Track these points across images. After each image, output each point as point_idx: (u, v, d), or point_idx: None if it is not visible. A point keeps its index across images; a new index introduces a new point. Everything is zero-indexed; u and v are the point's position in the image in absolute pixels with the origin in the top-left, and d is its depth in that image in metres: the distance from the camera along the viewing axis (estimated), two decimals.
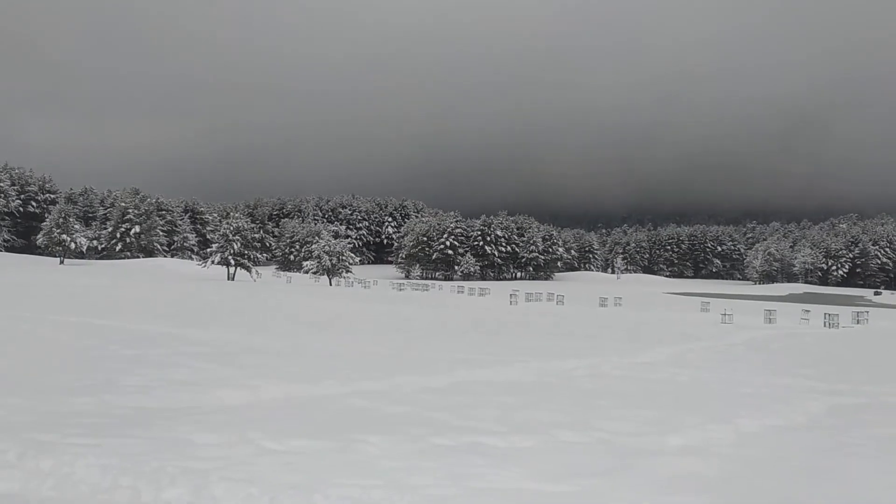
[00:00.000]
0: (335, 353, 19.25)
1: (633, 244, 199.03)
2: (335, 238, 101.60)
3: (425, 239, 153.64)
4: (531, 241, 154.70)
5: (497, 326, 33.73)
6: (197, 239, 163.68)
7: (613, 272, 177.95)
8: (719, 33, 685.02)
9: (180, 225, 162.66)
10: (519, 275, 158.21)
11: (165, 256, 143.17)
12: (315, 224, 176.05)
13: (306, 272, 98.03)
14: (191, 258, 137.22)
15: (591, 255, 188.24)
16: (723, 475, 8.54)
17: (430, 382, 14.67)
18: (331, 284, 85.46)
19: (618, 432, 10.60)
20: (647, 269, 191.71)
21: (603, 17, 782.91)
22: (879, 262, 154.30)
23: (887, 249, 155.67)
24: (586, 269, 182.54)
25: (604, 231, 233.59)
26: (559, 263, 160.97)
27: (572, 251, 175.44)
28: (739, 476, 8.53)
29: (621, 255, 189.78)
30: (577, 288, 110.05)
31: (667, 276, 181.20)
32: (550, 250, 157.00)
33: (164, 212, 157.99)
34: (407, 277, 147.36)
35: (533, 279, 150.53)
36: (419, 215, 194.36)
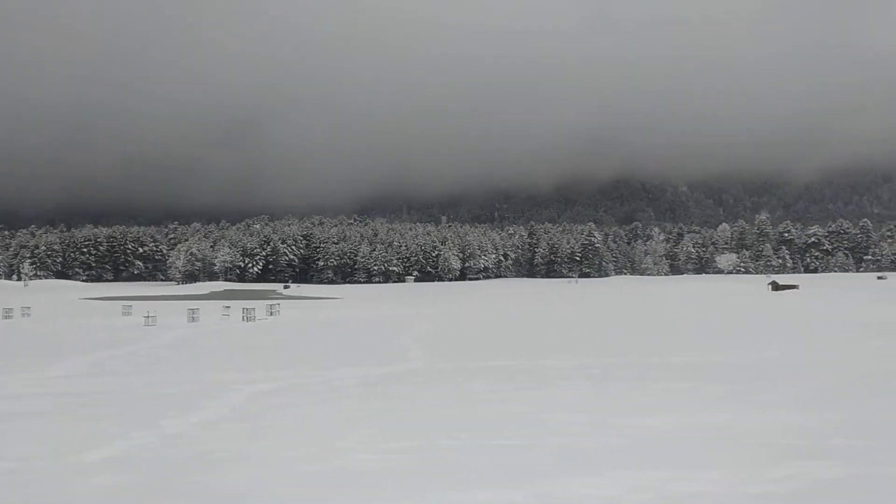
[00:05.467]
0: None
1: (44, 247, 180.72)
2: None
3: None
4: None
5: None
6: None
7: (20, 279, 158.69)
8: (171, 35, 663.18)
9: None
10: None
11: None
12: None
13: None
14: None
15: None
16: (148, 482, 8.28)
17: None
18: None
19: (28, 458, 9.35)
20: (62, 275, 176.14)
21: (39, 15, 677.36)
22: (288, 258, 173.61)
23: (293, 247, 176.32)
24: None
25: (7, 234, 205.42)
26: None
27: None
28: (166, 479, 8.40)
29: (29, 260, 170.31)
30: None
31: (84, 281, 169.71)
32: None
33: None
34: None
35: None
36: None
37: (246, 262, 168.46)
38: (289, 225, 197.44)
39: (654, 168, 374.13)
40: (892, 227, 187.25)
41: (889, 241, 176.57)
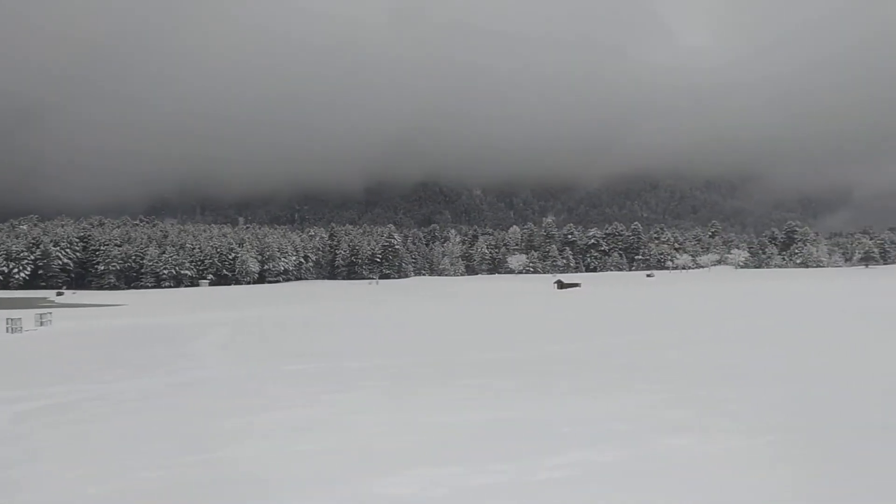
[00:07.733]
0: None
1: None
2: None
3: None
4: None
5: None
6: None
7: None
8: None
9: None
10: None
11: None
12: None
13: None
14: None
15: None
16: None
17: None
18: None
19: None
20: None
21: None
22: (61, 262, 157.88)
23: (68, 250, 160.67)
24: None
25: None
26: None
27: None
28: None
29: None
30: None
31: None
32: None
33: None
34: None
35: None
36: None
37: (10, 267, 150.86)
38: (63, 226, 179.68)
39: (452, 172, 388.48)
40: (658, 229, 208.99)
41: (656, 242, 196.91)
